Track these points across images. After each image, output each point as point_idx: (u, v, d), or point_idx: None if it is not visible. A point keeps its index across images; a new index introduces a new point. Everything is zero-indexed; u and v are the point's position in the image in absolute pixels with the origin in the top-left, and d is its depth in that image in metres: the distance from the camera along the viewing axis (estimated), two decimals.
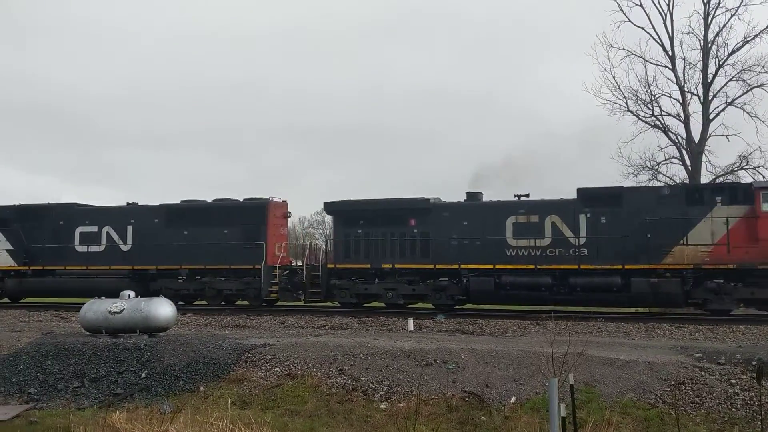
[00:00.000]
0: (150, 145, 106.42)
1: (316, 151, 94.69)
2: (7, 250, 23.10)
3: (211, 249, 20.88)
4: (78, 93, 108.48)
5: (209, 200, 22.40)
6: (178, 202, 22.37)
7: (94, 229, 22.49)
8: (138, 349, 11.75)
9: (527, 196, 19.25)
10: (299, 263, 21.55)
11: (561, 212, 18.30)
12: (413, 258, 19.40)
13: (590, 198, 18.15)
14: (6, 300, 23.24)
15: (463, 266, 18.67)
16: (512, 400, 9.27)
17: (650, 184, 22.05)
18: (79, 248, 22.41)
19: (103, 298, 13.80)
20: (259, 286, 20.48)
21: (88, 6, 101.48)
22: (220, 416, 7.32)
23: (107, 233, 22.35)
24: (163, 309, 13.04)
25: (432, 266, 18.99)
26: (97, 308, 13.08)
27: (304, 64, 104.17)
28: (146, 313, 12.88)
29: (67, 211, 23.15)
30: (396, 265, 19.36)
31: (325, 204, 21.50)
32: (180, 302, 20.18)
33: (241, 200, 21.98)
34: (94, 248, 22.29)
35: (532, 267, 18.09)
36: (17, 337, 13.40)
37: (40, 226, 22.89)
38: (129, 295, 13.63)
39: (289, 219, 22.58)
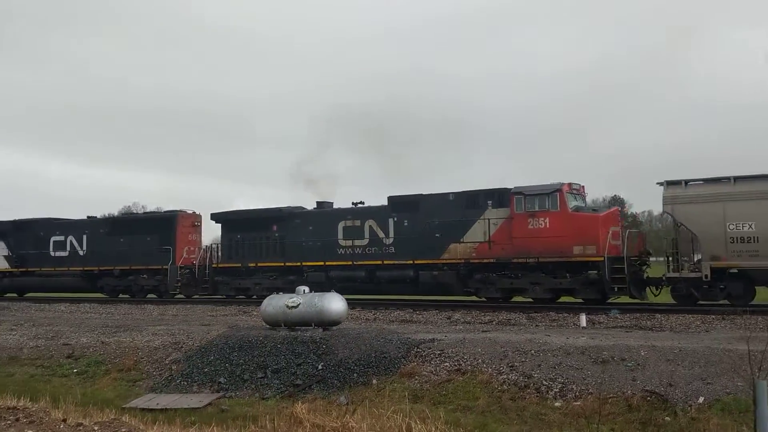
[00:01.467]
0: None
1: None
2: (4, 256, 30.03)
3: (136, 253, 26.18)
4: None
5: (141, 212, 28.49)
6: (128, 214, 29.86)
7: (62, 238, 28.63)
8: (314, 342, 12.30)
9: (362, 203, 23.06)
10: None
11: (376, 217, 21.88)
12: (273, 258, 23.40)
13: (396, 204, 21.69)
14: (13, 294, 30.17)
15: (304, 263, 22.64)
16: (700, 401, 8.65)
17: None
18: (52, 254, 28.66)
19: (281, 293, 14.66)
20: (167, 281, 25.52)
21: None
22: (396, 410, 7.47)
23: (70, 241, 28.37)
24: (335, 304, 13.57)
25: (283, 264, 23.02)
26: (276, 303, 13.89)
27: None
28: (320, 308, 13.47)
29: (46, 224, 29.94)
30: (258, 264, 23.60)
31: (212, 215, 25.89)
32: (120, 295, 26.86)
33: (162, 212, 27.38)
34: (61, 253, 28.50)
35: (350, 263, 21.83)
36: (207, 331, 14.57)
37: (27, 237, 29.45)
38: (304, 290, 14.33)
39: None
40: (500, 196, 19.98)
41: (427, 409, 8.18)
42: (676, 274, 17.31)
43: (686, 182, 17.47)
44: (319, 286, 19.79)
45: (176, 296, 25.76)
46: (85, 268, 27.47)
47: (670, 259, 17.72)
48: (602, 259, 17.92)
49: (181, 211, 27.02)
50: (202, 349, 12.96)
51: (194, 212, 27.18)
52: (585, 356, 10.33)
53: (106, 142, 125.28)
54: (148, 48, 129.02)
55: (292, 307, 13.61)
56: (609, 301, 18.70)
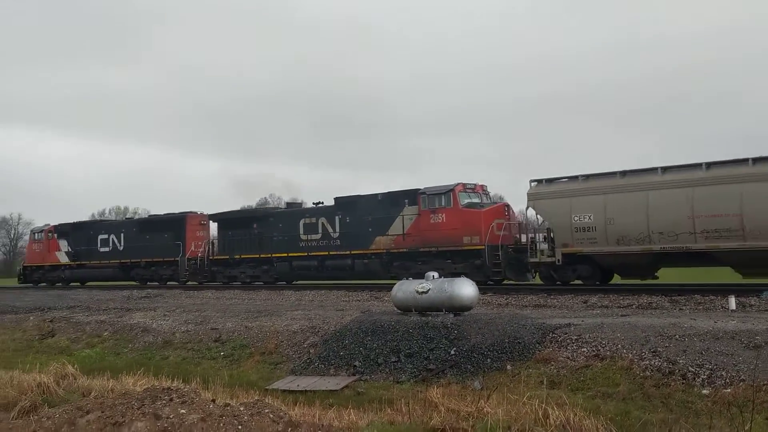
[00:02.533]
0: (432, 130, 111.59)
1: None
2: (66, 252, 36.40)
3: (157, 247, 31.72)
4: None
5: (163, 213, 33.61)
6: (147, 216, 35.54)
7: (106, 236, 34.65)
8: (445, 327, 12.31)
9: (322, 203, 27.13)
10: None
11: (327, 215, 25.85)
12: (253, 250, 27.89)
13: (341, 204, 25.64)
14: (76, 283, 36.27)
15: (273, 255, 27.05)
16: None
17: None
18: (99, 249, 34.66)
19: (410, 279, 14.79)
20: (177, 271, 31.07)
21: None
22: (532, 396, 7.33)
23: (112, 239, 34.19)
24: (465, 289, 13.49)
25: (258, 255, 27.62)
26: (406, 288, 14.03)
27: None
28: (450, 293, 13.44)
29: (95, 224, 37.50)
30: (242, 256, 28.33)
31: (209, 215, 31.57)
32: (148, 282, 32.57)
33: (175, 213, 32.50)
34: (105, 249, 34.47)
35: (306, 254, 26.00)
36: (341, 315, 14.98)
37: (81, 236, 35.80)
38: (433, 276, 14.35)
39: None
40: (413, 196, 23.48)
41: (564, 396, 7.97)
42: (536, 259, 20.31)
43: (546, 180, 20.21)
44: (284, 274, 27.08)
45: (187, 282, 30.84)
46: (122, 261, 33.46)
47: (533, 247, 20.87)
48: (483, 247, 21.28)
49: (190, 212, 32.45)
50: (337, 334, 13.33)
51: (201, 213, 32.74)
52: (735, 341, 9.66)
53: (231, 137, 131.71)
54: (259, 44, 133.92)
55: (422, 292, 13.68)
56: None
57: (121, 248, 33.67)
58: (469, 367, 11.00)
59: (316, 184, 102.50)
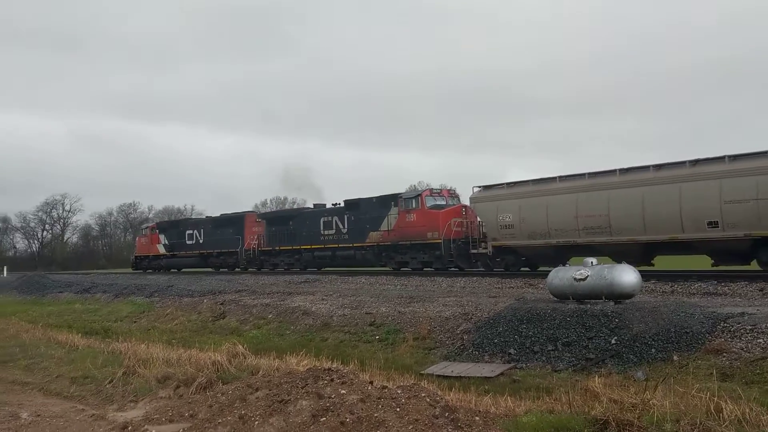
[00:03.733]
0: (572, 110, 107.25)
1: None
2: (164, 244, 43.56)
3: (224, 240, 38.40)
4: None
5: (230, 212, 40.61)
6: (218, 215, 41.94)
7: (192, 232, 41.74)
8: (605, 316, 11.86)
9: (338, 204, 32.44)
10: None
11: (338, 214, 31.23)
12: (289, 243, 33.68)
13: (348, 205, 30.84)
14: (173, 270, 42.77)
15: (302, 247, 32.82)
16: None
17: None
18: (187, 242, 41.56)
19: (568, 265, 14.37)
20: (238, 260, 37.62)
21: None
22: (701, 388, 6.90)
23: (195, 234, 41.24)
24: (627, 276, 12.89)
25: (291, 247, 33.54)
26: (562, 275, 13.65)
27: None
28: (610, 280, 12.91)
29: (185, 222, 45.92)
30: (281, 248, 34.33)
31: (258, 214, 39.18)
32: (221, 269, 38.98)
33: (237, 213, 39.75)
34: (190, 242, 41.38)
35: (323, 246, 31.44)
36: (494, 302, 14.87)
37: (175, 232, 43.21)
38: (591, 262, 13.86)
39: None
40: (396, 199, 28.41)
41: (739, 389, 7.43)
42: (475, 251, 24.81)
43: (484, 187, 24.37)
44: (309, 262, 32.90)
45: (248, 269, 36.50)
46: (201, 252, 40.50)
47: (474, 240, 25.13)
48: (440, 241, 25.86)
49: (248, 212, 40.89)
50: (491, 321, 13.25)
51: (256, 212, 41.56)
52: None
53: (373, 126, 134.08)
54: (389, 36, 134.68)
55: (580, 279, 13.25)
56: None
57: (201, 241, 40.95)
58: (631, 357, 10.54)
59: (460, 170, 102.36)
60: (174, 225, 45.84)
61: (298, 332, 16.54)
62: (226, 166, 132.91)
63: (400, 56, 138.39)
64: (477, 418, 6.50)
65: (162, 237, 44.67)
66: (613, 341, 11.11)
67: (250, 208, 48.24)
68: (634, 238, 19.59)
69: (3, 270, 64.17)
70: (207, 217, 47.45)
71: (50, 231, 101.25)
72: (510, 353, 11.89)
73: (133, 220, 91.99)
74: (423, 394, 6.93)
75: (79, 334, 18.19)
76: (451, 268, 26.36)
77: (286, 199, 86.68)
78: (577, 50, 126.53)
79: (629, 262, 16.30)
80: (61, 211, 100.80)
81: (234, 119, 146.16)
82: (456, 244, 25.85)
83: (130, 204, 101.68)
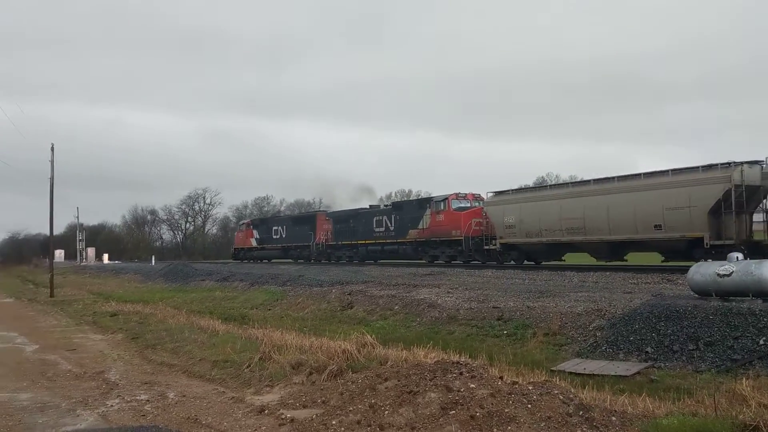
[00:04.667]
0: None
1: None
2: (255, 239, 52.37)
3: (299, 236, 46.20)
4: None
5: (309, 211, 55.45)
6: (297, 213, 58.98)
7: (277, 228, 50.26)
8: (753, 314, 11.04)
9: (388, 205, 40.99)
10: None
11: (387, 214, 38.03)
12: (349, 239, 40.66)
13: (395, 207, 38.73)
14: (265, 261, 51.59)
15: (358, 242, 39.96)
16: None
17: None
18: (273, 237, 50.09)
19: (710, 260, 13.51)
20: (311, 252, 44.83)
21: None
22: None
23: (279, 230, 49.67)
24: None
25: (351, 242, 40.62)
26: (704, 271, 12.85)
27: None
28: (758, 276, 12.02)
29: (272, 220, 54.14)
30: (342, 242, 41.64)
31: (327, 213, 46.54)
32: (298, 260, 47.02)
33: (310, 212, 51.41)
34: (276, 237, 49.92)
35: (374, 241, 38.46)
36: (629, 299, 14.24)
37: (264, 227, 52.07)
38: (737, 257, 12.97)
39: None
40: (428, 202, 34.93)
41: None
42: (487, 247, 29.75)
43: (495, 193, 30.07)
44: (363, 255, 39.76)
45: (320, 261, 43.60)
46: (283, 245, 48.52)
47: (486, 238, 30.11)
48: (461, 238, 31.04)
49: (319, 211, 51.36)
50: (626, 317, 12.69)
51: (326, 211, 48.80)
52: None
53: (494, 115, 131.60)
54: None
55: (724, 275, 12.42)
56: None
57: (284, 236, 48.89)
58: None
59: (589, 160, 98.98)
60: (264, 222, 54.90)
61: (424, 324, 16.55)
62: (351, 160, 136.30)
63: (517, 44, 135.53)
64: (613, 418, 6.25)
65: (255, 232, 53.26)
66: (761, 342, 10.33)
67: (374, 202, 50.89)
68: (602, 237, 24.52)
69: (152, 259, 69.25)
70: (287, 215, 58.29)
71: (192, 223, 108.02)
72: (647, 352, 11.33)
73: (265, 213, 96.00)
74: (555, 391, 6.74)
75: (219, 320, 19.05)
76: (472, 261, 31.90)
77: (410, 191, 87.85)
78: (712, 28, 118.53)
79: (601, 258, 25.67)
80: (202, 204, 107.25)
81: (356, 112, 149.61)
82: (474, 241, 30.77)
83: (264, 197, 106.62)
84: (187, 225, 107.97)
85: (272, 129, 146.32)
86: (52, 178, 35.16)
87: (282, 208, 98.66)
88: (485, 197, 30.98)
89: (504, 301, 16.27)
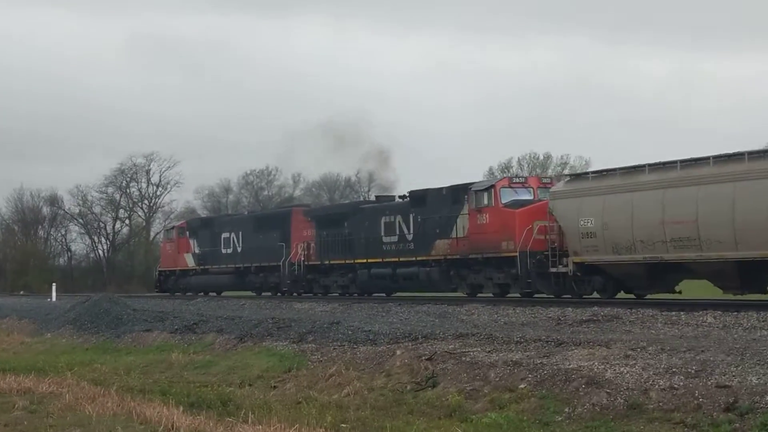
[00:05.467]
0: None
1: None
2: (193, 254, 59.05)
3: (265, 248, 52.60)
4: None
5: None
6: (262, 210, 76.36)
7: (229, 235, 56.72)
8: None
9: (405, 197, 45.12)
10: None
11: (402, 213, 42.73)
12: (341, 255, 46.37)
13: (414, 200, 42.54)
14: None
15: (356, 261, 44.52)
16: None
17: None
18: (221, 250, 57.12)
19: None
20: (281, 277, 50.82)
21: None
22: None
23: (231, 238, 55.79)
24: None
25: (342, 261, 46.54)
26: None
27: None
28: None
29: (221, 221, 62.39)
30: (330, 261, 47.38)
31: (307, 209, 54.29)
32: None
33: (285, 207, 63.12)
34: (226, 250, 56.38)
35: (380, 260, 43.48)
36: None
37: (208, 234, 58.86)
38: None
39: None
40: (465, 191, 37.34)
41: None
42: (554, 270, 33.82)
43: (571, 177, 36.12)
44: (365, 284, 44.66)
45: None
46: (236, 266, 55.02)
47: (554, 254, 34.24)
48: (516, 254, 33.45)
49: (296, 206, 61.23)
50: None
51: (308, 206, 58.92)
52: None
53: None
54: None
55: None
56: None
57: (240, 250, 55.06)
58: None
59: None
60: (207, 224, 63.56)
61: (578, 419, 16.39)
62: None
63: None
64: None
65: (192, 243, 61.54)
66: None
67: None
68: (723, 254, 27.33)
69: (52, 290, 69.50)
70: (248, 213, 65.59)
71: (127, 221, 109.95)
72: None
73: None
74: None
75: (181, 407, 19.06)
76: (534, 293, 34.46)
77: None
78: None
79: (729, 288, 28.73)
80: (144, 186, 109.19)
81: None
82: (537, 259, 33.25)
83: (260, 172, 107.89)
84: (118, 225, 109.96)
85: (266, 36, 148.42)
86: None
87: (298, 194, 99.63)
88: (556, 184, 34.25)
89: (740, 374, 15.92)
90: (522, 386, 18.52)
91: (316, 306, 37.66)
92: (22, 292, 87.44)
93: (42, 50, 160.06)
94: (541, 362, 19.44)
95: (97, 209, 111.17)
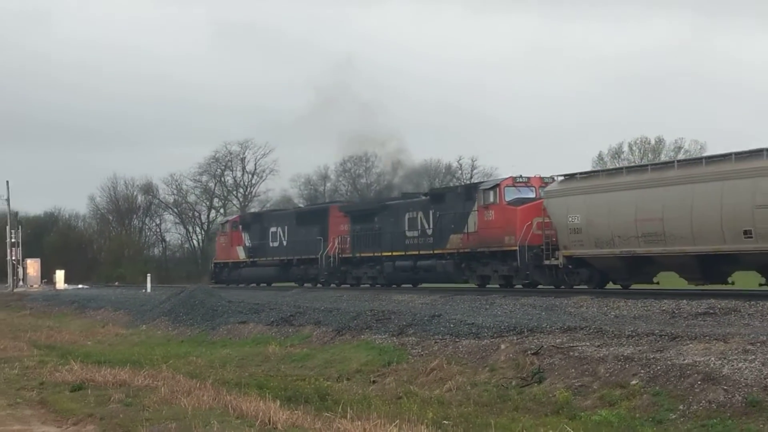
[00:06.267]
0: None
1: None
2: (245, 247, 63.86)
3: (306, 242, 57.16)
4: None
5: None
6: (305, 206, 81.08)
7: (276, 229, 61.67)
8: None
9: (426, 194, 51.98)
10: None
11: (423, 209, 47.43)
12: (370, 248, 50.79)
13: (434, 197, 47.98)
14: None
15: (383, 254, 49.03)
16: None
17: None
18: (269, 243, 62.12)
19: None
20: (319, 269, 56.08)
21: None
22: None
23: (278, 232, 60.44)
24: None
25: (371, 254, 51.09)
26: None
27: None
28: None
29: (269, 215, 68.81)
30: (361, 254, 52.03)
31: (342, 205, 58.71)
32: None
33: (324, 204, 66.21)
34: (273, 243, 61.87)
35: (403, 252, 48.19)
36: None
37: (258, 229, 64.46)
38: None
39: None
40: (475, 190, 42.80)
41: None
42: (548, 262, 38.39)
43: (564, 177, 38.57)
44: (390, 276, 48.99)
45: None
46: (281, 259, 59.48)
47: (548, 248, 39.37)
48: (516, 248, 38.34)
49: (333, 202, 63.82)
50: None
51: (343, 203, 62.19)
52: None
53: None
54: None
55: None
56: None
57: (285, 243, 59.79)
58: None
59: None
60: (258, 219, 68.73)
61: (693, 416, 16.05)
62: None
63: None
64: None
65: (245, 236, 65.92)
66: None
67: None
68: (684, 248, 32.34)
69: (147, 281, 69.92)
70: (292, 209, 72.93)
71: (222, 210, 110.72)
72: None
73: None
74: None
75: (278, 401, 18.90)
76: (534, 284, 38.89)
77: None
78: None
79: (693, 279, 34.21)
80: (239, 175, 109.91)
81: None
82: (534, 252, 37.53)
83: (357, 160, 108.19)
84: (213, 214, 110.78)
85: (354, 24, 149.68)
86: None
87: (397, 182, 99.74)
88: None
89: None
90: (634, 382, 18.21)
91: (416, 298, 37.68)
92: (116, 283, 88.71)
93: (128, 30, 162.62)
94: (654, 357, 19.07)
95: (191, 198, 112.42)
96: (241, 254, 63.43)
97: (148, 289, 65.15)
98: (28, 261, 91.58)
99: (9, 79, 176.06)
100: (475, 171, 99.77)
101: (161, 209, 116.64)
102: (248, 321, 36.89)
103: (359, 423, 15.09)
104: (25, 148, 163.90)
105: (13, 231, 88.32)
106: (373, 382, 23.27)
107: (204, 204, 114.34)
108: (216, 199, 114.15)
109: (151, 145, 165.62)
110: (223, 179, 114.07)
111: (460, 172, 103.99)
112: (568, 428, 14.01)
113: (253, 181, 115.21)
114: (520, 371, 20.82)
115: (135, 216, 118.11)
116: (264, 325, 35.02)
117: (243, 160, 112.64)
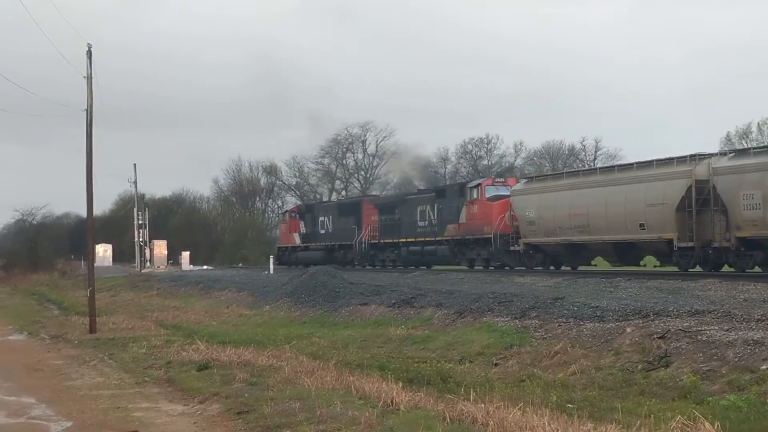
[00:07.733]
0: None
1: None
2: (300, 233, 77.01)
3: (345, 230, 68.63)
4: None
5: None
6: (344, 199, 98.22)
7: (324, 219, 74.38)
8: None
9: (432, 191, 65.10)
10: None
11: (430, 203, 58.41)
12: (392, 235, 63.20)
13: (438, 192, 60.00)
14: None
15: (400, 240, 61.70)
16: None
17: None
18: (319, 231, 74.64)
19: None
20: (354, 253, 68.27)
21: None
22: None
23: (325, 221, 73.58)
24: None
25: (392, 240, 63.28)
26: None
27: None
28: None
29: (319, 207, 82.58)
30: (386, 240, 64.10)
31: (373, 199, 72.82)
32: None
33: (357, 197, 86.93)
34: (322, 231, 74.06)
35: (414, 239, 60.45)
36: None
37: (311, 218, 77.31)
38: None
39: None
40: (465, 188, 54.51)
41: None
42: (513, 248, 49.84)
43: (527, 179, 54.66)
44: (406, 259, 60.81)
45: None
46: (326, 244, 69.03)
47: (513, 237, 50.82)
48: (491, 236, 49.74)
49: (365, 196, 78.64)
50: None
51: (374, 196, 74.45)
52: None
53: None
54: None
55: None
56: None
57: (330, 231, 69.39)
58: None
59: None
60: (310, 209, 78.83)
61: None
62: None
63: None
64: None
65: (301, 224, 76.38)
66: None
67: None
68: (602, 237, 42.77)
69: (269, 263, 70.62)
70: (335, 201, 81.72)
71: (344, 190, 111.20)
72: None
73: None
74: None
75: (399, 383, 18.92)
76: (504, 265, 48.07)
77: None
78: None
79: (614, 262, 47.03)
80: (360, 157, 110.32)
81: None
82: (504, 239, 47.44)
83: (481, 140, 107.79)
84: (335, 197, 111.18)
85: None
86: (89, 112, 36.34)
87: (519, 164, 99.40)
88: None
89: None
90: (764, 367, 17.92)
91: (538, 280, 37.86)
92: (240, 265, 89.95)
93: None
94: None
95: (313, 180, 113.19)
96: (297, 240, 75.11)
97: (271, 271, 65.81)
98: (155, 242, 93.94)
99: (136, 59, 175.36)
100: (598, 153, 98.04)
101: (284, 191, 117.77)
102: (369, 303, 37.20)
103: (482, 405, 14.95)
104: (151, 132, 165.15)
105: (140, 213, 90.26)
106: (495, 364, 23.25)
107: (326, 186, 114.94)
108: (338, 182, 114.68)
109: (272, 128, 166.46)
110: (344, 161, 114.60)
111: (583, 153, 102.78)
112: (696, 412, 13.75)
113: (374, 164, 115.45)
114: (646, 355, 20.64)
115: (258, 198, 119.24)
116: (385, 307, 35.24)
117: (364, 142, 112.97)
